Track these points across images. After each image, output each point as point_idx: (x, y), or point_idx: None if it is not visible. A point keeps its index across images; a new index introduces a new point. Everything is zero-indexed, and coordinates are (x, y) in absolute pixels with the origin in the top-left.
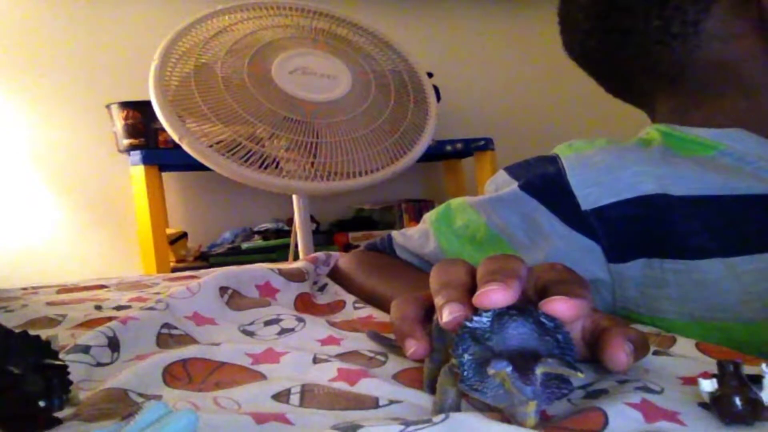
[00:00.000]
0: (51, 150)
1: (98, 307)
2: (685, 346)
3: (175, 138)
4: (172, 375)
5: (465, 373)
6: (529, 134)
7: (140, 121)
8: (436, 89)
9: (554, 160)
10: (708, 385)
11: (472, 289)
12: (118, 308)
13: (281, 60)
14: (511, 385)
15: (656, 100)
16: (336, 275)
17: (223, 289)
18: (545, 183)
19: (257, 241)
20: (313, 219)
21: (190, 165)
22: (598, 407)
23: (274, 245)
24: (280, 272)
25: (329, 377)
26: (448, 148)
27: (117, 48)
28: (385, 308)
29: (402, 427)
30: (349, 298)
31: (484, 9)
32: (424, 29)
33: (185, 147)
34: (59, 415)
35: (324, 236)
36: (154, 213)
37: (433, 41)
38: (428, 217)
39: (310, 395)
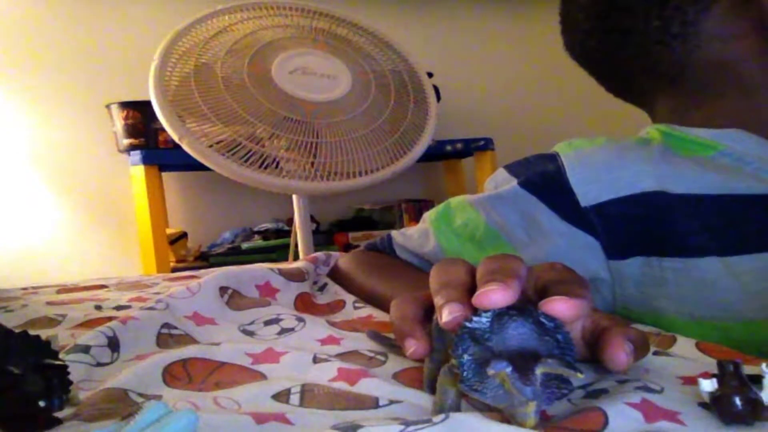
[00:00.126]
0: (51, 150)
1: (98, 307)
2: (685, 346)
3: (175, 138)
4: (172, 375)
5: (465, 374)
6: (529, 134)
7: (140, 121)
8: (436, 89)
9: (554, 157)
10: (708, 385)
11: (471, 288)
12: (118, 308)
13: (281, 60)
14: (511, 386)
15: (656, 100)
16: (336, 275)
17: (223, 289)
18: (545, 180)
19: (257, 241)
20: (313, 219)
21: (190, 165)
22: (598, 407)
23: (274, 245)
24: (280, 272)
25: (329, 377)
26: (448, 148)
27: (117, 48)
28: (385, 308)
29: (402, 427)
30: (349, 298)
31: (484, 9)
32: (424, 29)
33: (185, 147)
34: (59, 415)
35: (324, 236)
36: (154, 213)
37: (433, 41)
38: (428, 216)
39: (310, 395)
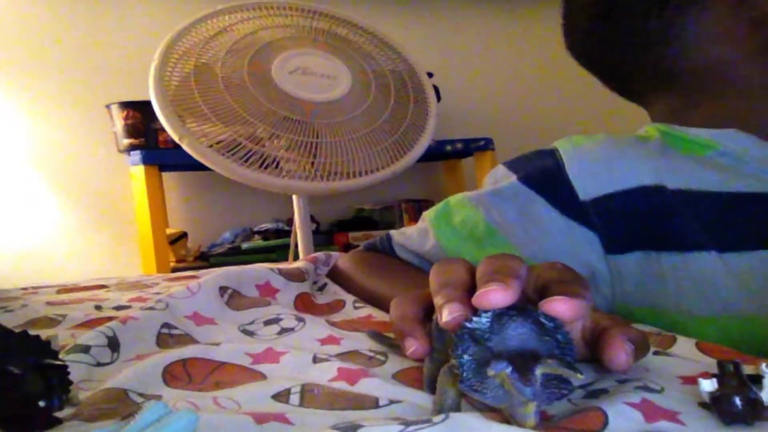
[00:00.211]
0: (51, 150)
1: (98, 307)
2: (685, 346)
3: (175, 138)
4: (172, 375)
5: (465, 374)
6: (529, 134)
7: (140, 121)
8: (436, 89)
9: (553, 153)
10: (708, 385)
11: (471, 288)
12: (118, 308)
13: (281, 60)
14: (511, 386)
15: (655, 99)
16: (335, 275)
17: (223, 289)
18: (544, 175)
19: (257, 241)
20: (313, 219)
21: (190, 165)
22: (598, 407)
23: (274, 245)
24: (280, 272)
25: (329, 377)
26: (448, 148)
27: (117, 48)
28: (385, 308)
29: (402, 427)
30: (349, 298)
31: (484, 9)
32: (424, 29)
33: (185, 147)
34: (59, 415)
35: (324, 236)
36: (154, 213)
37: (433, 41)
38: (427, 215)
39: (310, 395)
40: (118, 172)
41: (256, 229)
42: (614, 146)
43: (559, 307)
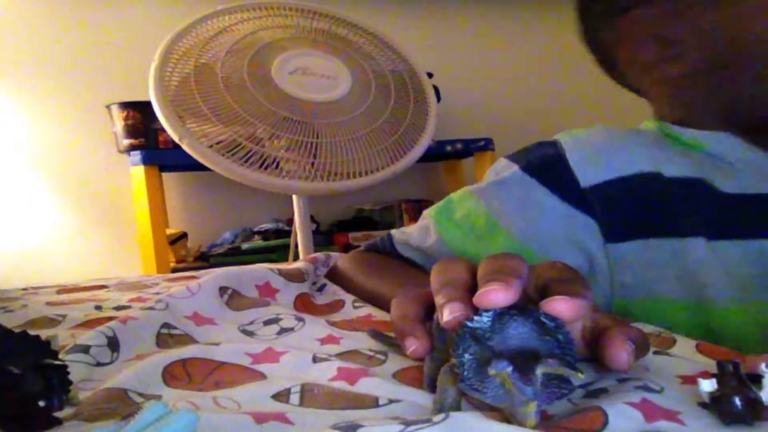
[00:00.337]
0: (51, 150)
1: (98, 307)
2: (685, 346)
3: (175, 138)
4: (172, 375)
5: (465, 373)
6: (529, 134)
7: (140, 121)
8: (436, 89)
9: (554, 143)
10: (708, 385)
11: (472, 288)
12: (118, 308)
13: (281, 60)
14: (512, 386)
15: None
16: (334, 276)
17: (222, 289)
18: (545, 163)
19: (257, 242)
20: (313, 219)
21: (190, 165)
22: (598, 407)
23: (274, 245)
24: (280, 272)
25: (329, 376)
26: (448, 148)
27: (117, 48)
28: (385, 308)
29: (402, 426)
30: (348, 298)
31: (484, 9)
32: (424, 29)
33: (185, 147)
34: (59, 415)
35: (324, 236)
36: (154, 213)
37: (433, 41)
38: (428, 212)
39: (309, 395)
40: (118, 173)
41: (256, 229)
42: (613, 136)
43: (560, 306)
